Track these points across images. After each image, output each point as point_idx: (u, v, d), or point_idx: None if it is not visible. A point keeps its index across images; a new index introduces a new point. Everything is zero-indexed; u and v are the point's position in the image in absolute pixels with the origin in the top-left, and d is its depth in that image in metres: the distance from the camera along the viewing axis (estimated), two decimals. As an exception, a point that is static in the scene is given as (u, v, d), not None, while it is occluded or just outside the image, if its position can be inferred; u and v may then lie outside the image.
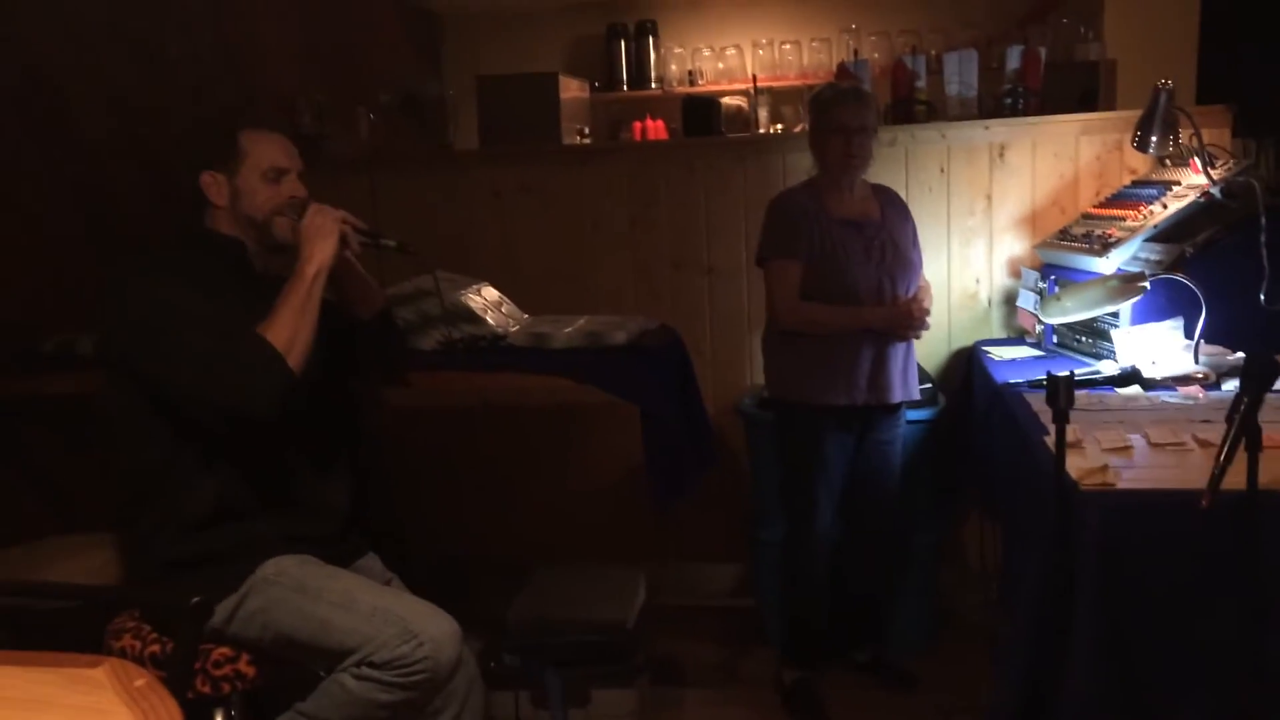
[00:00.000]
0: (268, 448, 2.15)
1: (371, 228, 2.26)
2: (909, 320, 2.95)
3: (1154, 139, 3.10)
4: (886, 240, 2.99)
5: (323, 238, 2.11)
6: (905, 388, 3.03)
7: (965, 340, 3.62)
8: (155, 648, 2.11)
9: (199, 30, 3.70)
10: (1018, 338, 3.53)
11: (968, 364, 3.48)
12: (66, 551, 2.56)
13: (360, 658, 2.02)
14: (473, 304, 2.88)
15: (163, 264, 2.16)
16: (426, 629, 2.04)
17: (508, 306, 3.05)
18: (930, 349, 3.63)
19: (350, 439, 2.41)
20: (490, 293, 3.04)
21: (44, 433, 3.00)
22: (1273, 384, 1.71)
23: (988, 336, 3.60)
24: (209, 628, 2.02)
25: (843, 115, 2.91)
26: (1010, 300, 3.59)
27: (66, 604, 2.35)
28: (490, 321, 2.86)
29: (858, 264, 2.93)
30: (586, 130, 4.33)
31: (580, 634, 2.90)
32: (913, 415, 3.22)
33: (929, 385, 3.34)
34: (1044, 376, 2.73)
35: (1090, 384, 2.72)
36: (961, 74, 3.56)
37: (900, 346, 3.00)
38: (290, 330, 2.02)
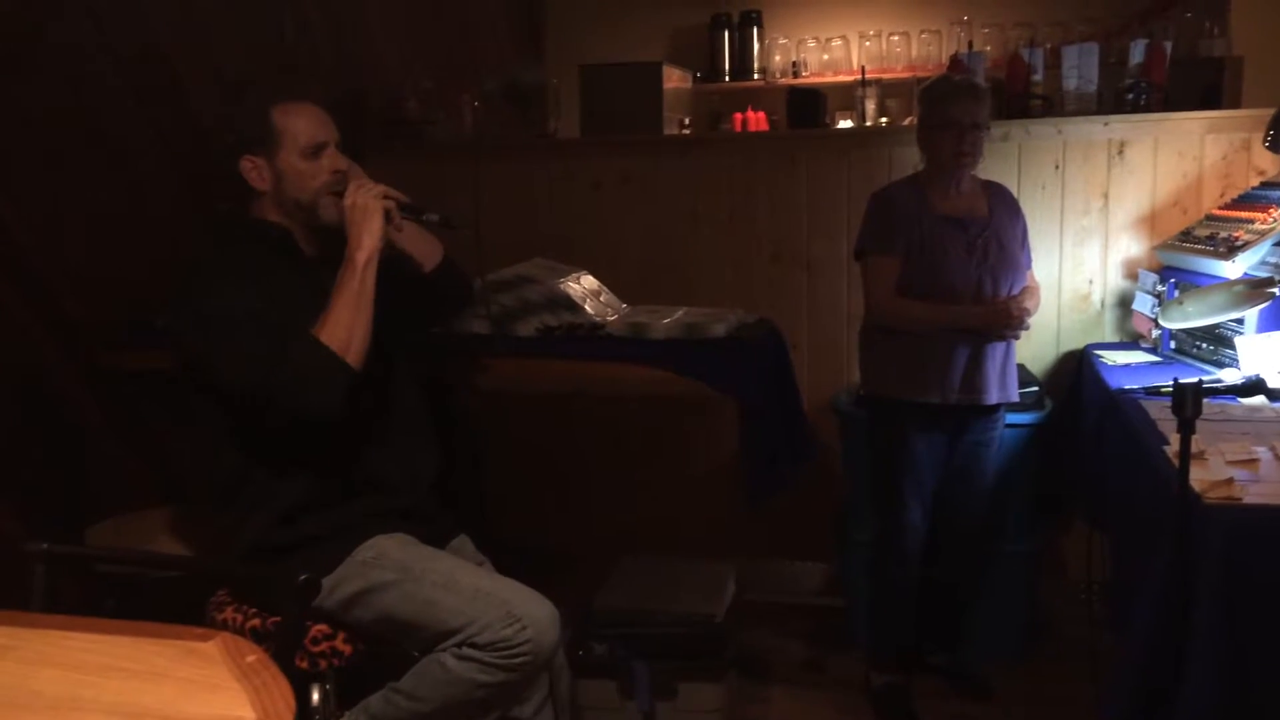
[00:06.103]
0: (352, 431, 2.13)
1: (414, 201, 2.19)
2: (1006, 319, 2.85)
3: (1288, 138, 2.96)
4: (991, 238, 2.90)
5: (368, 221, 2.05)
6: (1002, 389, 2.93)
7: (1075, 343, 3.50)
8: (255, 622, 2.14)
9: (310, 16, 3.76)
10: (1131, 342, 3.39)
11: (1077, 368, 3.35)
12: (173, 522, 2.63)
13: (463, 638, 2.03)
14: (571, 292, 2.87)
15: (212, 266, 2.11)
16: (529, 612, 2.04)
17: (606, 296, 3.04)
18: (1038, 351, 3.52)
19: (441, 420, 2.41)
20: (589, 281, 3.03)
21: (154, 405, 3.07)
22: None
23: (1099, 340, 3.46)
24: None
25: (955, 110, 2.83)
26: (1124, 303, 3.46)
27: (172, 574, 2.41)
28: (589, 310, 2.84)
29: (957, 261, 2.86)
30: (687, 121, 4.30)
31: (669, 625, 2.88)
32: (1018, 419, 3.12)
33: (1035, 388, 3.23)
34: (1161, 383, 2.63)
35: (1212, 393, 2.59)
36: (1081, 68, 3.43)
37: (999, 347, 2.90)
38: (347, 327, 1.99)
